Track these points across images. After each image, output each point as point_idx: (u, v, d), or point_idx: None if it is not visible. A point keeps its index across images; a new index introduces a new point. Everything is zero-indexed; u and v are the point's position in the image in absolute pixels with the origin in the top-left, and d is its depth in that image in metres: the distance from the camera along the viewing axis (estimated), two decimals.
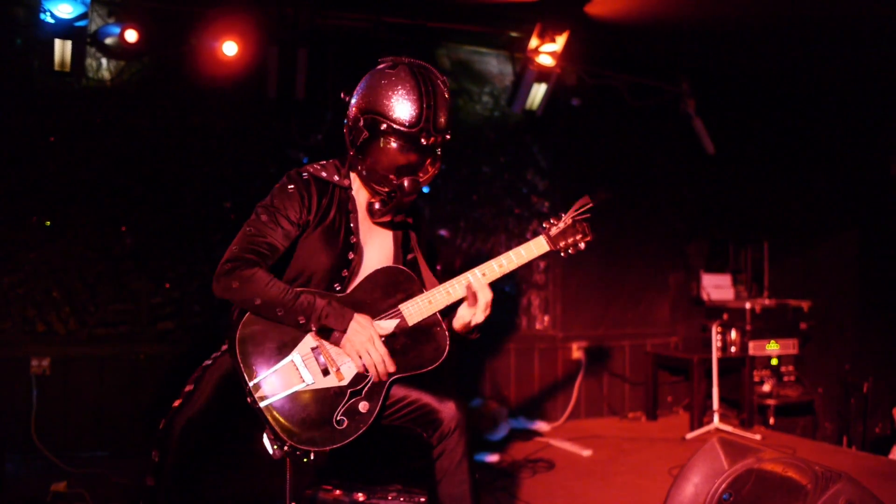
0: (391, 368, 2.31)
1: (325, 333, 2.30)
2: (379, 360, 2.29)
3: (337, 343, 2.31)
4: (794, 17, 4.71)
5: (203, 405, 2.32)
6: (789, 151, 6.52)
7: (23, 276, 4.43)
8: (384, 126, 2.30)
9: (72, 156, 4.53)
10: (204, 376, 2.40)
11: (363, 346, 2.28)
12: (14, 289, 4.41)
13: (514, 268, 2.47)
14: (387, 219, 2.50)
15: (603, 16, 4.89)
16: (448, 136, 2.39)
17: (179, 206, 4.76)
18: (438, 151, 2.40)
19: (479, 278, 2.43)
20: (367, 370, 2.31)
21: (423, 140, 2.32)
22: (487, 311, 2.42)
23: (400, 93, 2.30)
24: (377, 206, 2.44)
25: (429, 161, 2.39)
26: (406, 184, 2.33)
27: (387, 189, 2.38)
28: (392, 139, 2.31)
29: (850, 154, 6.12)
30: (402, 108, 2.29)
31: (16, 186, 4.42)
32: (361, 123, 2.35)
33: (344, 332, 2.29)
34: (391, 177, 2.35)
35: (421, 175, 2.38)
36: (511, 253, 2.47)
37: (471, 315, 2.42)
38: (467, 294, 2.40)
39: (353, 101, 2.42)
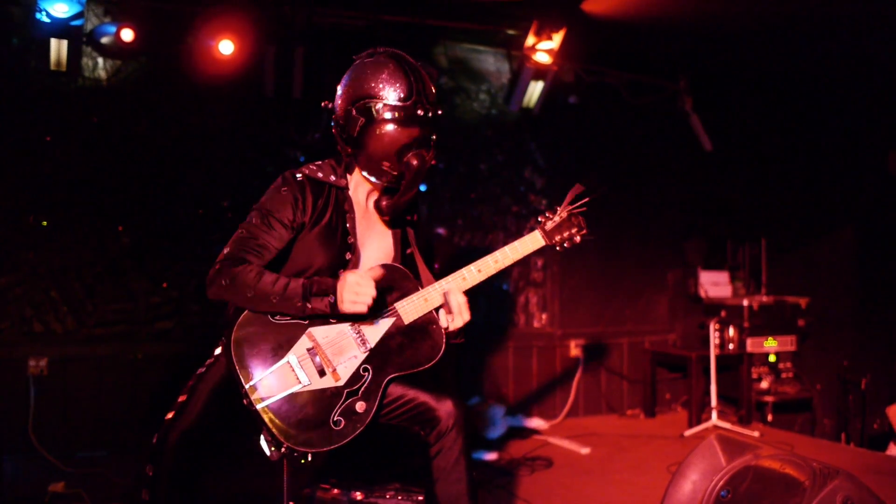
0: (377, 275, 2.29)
1: (325, 305, 2.25)
2: (369, 291, 2.22)
3: (338, 305, 2.23)
4: (791, 14, 4.71)
5: (197, 416, 2.32)
6: (787, 148, 6.52)
7: (20, 277, 4.42)
8: (379, 105, 2.30)
9: (68, 155, 4.52)
10: (198, 386, 2.39)
11: (355, 294, 2.22)
12: (11, 289, 4.40)
13: (510, 263, 2.46)
14: (387, 218, 2.49)
15: (600, 13, 4.89)
16: (440, 112, 2.39)
17: (177, 206, 4.76)
18: (434, 138, 2.38)
19: (475, 274, 2.43)
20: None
21: (419, 111, 2.32)
22: (464, 316, 2.40)
23: (385, 74, 2.32)
24: (384, 201, 2.43)
25: (424, 145, 2.36)
26: (414, 161, 2.31)
27: (393, 174, 2.37)
28: (389, 116, 2.30)
29: (847, 150, 6.12)
30: (392, 85, 2.31)
31: (12, 186, 4.41)
32: (354, 113, 2.33)
33: (334, 291, 2.24)
34: (394, 160, 2.34)
35: (423, 152, 2.34)
36: (507, 248, 2.46)
37: (448, 322, 2.41)
38: (444, 300, 2.39)
39: (338, 100, 2.42)
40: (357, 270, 2.30)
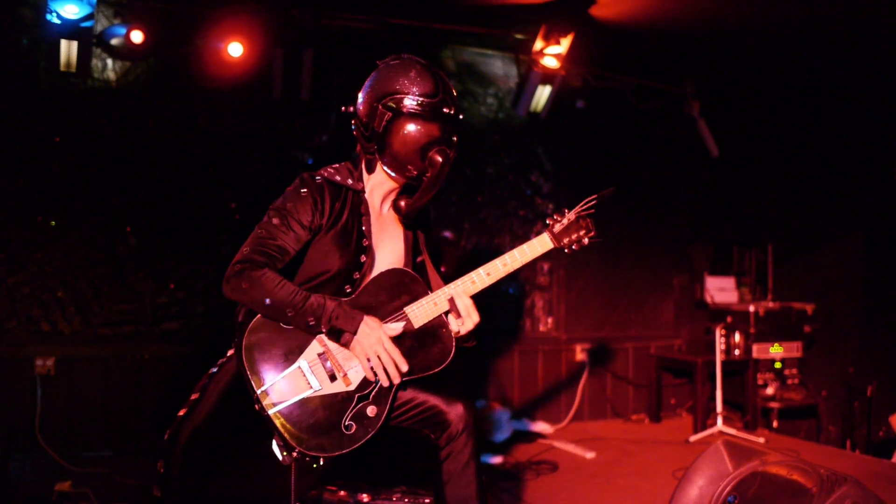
0: (404, 368, 2.30)
1: (335, 335, 2.30)
2: (389, 361, 2.28)
3: (347, 345, 2.30)
4: (799, 20, 4.70)
5: (209, 414, 2.33)
6: (793, 154, 6.51)
7: (28, 276, 4.44)
8: (406, 101, 2.34)
9: (77, 156, 4.54)
10: (209, 385, 2.40)
11: (372, 348, 2.28)
12: (19, 288, 4.42)
13: (519, 266, 2.47)
14: (404, 220, 2.51)
15: (608, 18, 4.89)
16: (461, 116, 2.44)
17: (184, 207, 4.77)
18: (455, 138, 2.42)
19: (484, 278, 2.43)
20: (374, 373, 2.31)
21: (445, 109, 2.36)
22: (473, 318, 2.41)
23: (413, 73, 2.37)
24: (403, 201, 2.45)
25: (447, 143, 2.40)
26: (438, 157, 2.34)
27: (415, 171, 2.39)
28: (416, 111, 2.34)
29: (854, 157, 6.12)
30: (419, 82, 2.36)
31: (21, 186, 4.43)
32: (381, 108, 2.36)
33: (354, 334, 2.29)
34: (417, 157, 2.36)
35: (447, 149, 2.38)
36: (515, 251, 2.46)
37: (458, 326, 2.41)
38: (450, 306, 2.40)
39: (361, 99, 2.44)
40: (386, 331, 2.32)
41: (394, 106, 2.34)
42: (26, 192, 4.44)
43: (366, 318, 2.31)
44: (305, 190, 2.40)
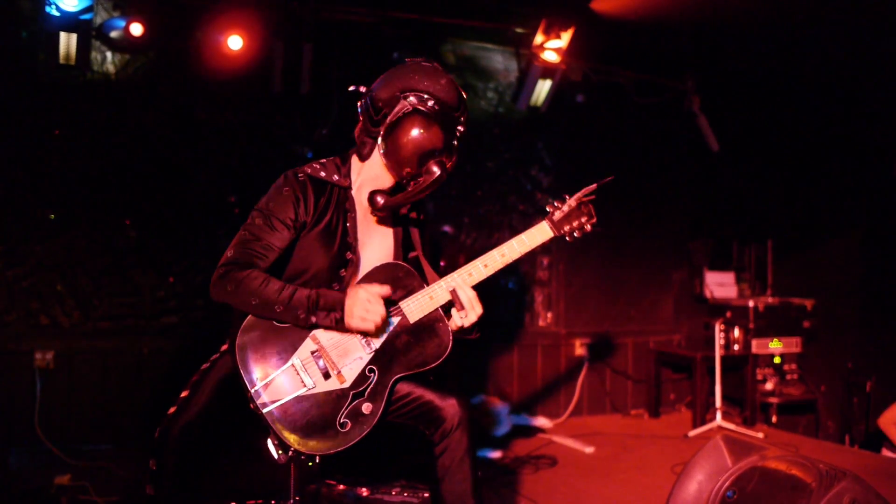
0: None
1: (330, 319, 2.27)
2: (379, 318, 2.27)
3: (343, 323, 2.27)
4: (800, 16, 4.69)
5: (200, 409, 2.32)
6: (794, 150, 6.50)
7: (27, 269, 4.43)
8: (431, 102, 2.33)
9: (76, 149, 4.53)
10: (202, 381, 2.39)
11: (364, 308, 2.26)
12: (19, 282, 4.41)
13: (518, 256, 2.44)
14: (383, 214, 2.47)
15: (608, 12, 4.88)
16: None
17: (184, 200, 4.76)
18: (455, 158, 2.41)
19: (482, 269, 2.40)
20: (386, 331, 2.31)
21: (460, 127, 2.40)
22: (477, 310, 2.38)
23: (444, 81, 2.38)
24: (380, 197, 2.38)
25: (448, 156, 2.39)
26: (435, 168, 2.32)
27: (408, 172, 2.37)
28: (434, 116, 2.33)
29: (854, 153, 6.11)
30: (447, 92, 2.37)
31: (20, 179, 4.42)
32: (402, 99, 2.34)
33: (343, 307, 2.26)
34: (416, 160, 2.34)
35: (447, 162, 2.36)
36: (513, 241, 2.43)
37: (461, 318, 2.38)
38: (452, 297, 2.37)
39: (381, 82, 2.41)
40: (367, 286, 2.30)
41: (415, 101, 2.32)
42: (25, 186, 4.43)
43: (349, 290, 2.30)
44: (287, 188, 2.39)
